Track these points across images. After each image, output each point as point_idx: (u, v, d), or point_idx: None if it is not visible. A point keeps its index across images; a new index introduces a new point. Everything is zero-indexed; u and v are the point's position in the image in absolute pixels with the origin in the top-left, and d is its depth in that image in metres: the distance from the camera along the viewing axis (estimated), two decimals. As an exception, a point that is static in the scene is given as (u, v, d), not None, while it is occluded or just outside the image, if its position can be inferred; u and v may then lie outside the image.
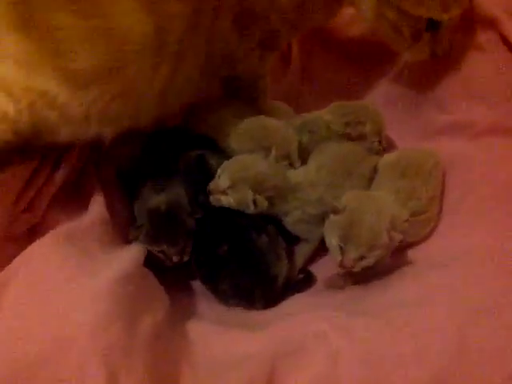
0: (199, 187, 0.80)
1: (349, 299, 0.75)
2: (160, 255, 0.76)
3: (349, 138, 0.89)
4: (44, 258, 0.65)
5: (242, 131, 0.87)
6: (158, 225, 0.76)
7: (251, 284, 0.76)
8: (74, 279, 0.62)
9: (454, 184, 0.86)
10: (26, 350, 0.55)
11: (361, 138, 0.89)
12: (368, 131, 0.89)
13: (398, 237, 0.73)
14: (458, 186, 0.85)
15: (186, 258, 0.77)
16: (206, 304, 0.78)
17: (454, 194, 0.85)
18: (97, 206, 0.75)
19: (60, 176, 0.75)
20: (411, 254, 0.81)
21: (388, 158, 0.88)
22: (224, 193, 0.77)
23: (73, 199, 0.76)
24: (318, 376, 0.61)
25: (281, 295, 0.78)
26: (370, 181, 0.86)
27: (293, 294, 0.79)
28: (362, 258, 0.72)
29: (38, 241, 0.68)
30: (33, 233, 0.70)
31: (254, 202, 0.77)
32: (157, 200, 0.78)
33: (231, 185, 0.76)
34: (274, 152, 0.82)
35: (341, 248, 0.72)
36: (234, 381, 0.60)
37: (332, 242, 0.73)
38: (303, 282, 0.81)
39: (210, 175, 0.80)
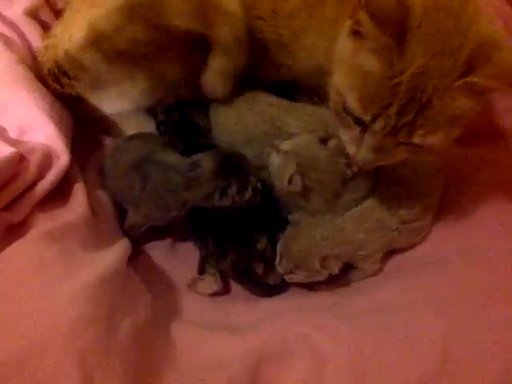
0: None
1: (334, 302, 0.75)
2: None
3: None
4: (23, 259, 0.63)
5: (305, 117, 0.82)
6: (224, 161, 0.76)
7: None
8: (53, 281, 0.61)
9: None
10: (1, 351, 0.54)
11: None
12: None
13: (333, 269, 0.74)
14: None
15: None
16: (190, 304, 0.77)
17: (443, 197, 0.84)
18: (80, 206, 0.74)
19: (46, 184, 0.73)
20: (397, 257, 0.80)
21: None
22: (292, 273, 0.75)
23: (55, 199, 0.73)
24: (302, 379, 0.61)
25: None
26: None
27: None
28: (291, 272, 0.74)
29: (17, 241, 0.66)
30: (12, 232, 0.68)
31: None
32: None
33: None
34: (333, 142, 0.79)
35: (281, 255, 0.75)
36: (217, 383, 0.59)
37: (278, 246, 0.77)
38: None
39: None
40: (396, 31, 0.57)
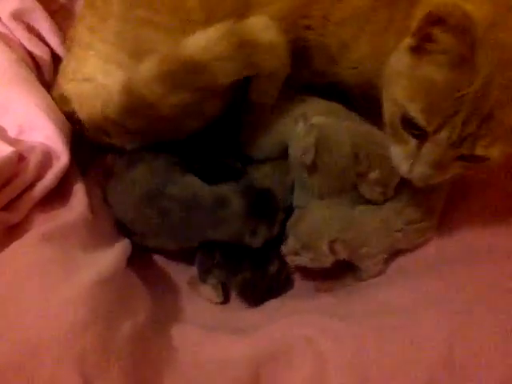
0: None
1: (335, 303, 0.74)
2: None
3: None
4: (22, 260, 0.63)
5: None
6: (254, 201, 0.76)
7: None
8: (52, 283, 0.60)
9: None
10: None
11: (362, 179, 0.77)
12: (373, 178, 0.76)
13: (339, 255, 0.73)
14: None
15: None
16: (191, 306, 0.77)
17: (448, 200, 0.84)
18: (80, 207, 0.73)
19: (46, 184, 0.72)
20: (400, 259, 0.80)
21: None
22: (297, 254, 0.74)
23: (55, 199, 0.73)
24: (304, 380, 0.60)
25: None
26: None
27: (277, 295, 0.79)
28: (296, 253, 0.73)
29: (16, 242, 0.65)
30: (11, 233, 0.67)
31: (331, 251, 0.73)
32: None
33: (303, 245, 0.73)
34: (374, 175, 0.75)
35: (287, 235, 0.75)
36: None
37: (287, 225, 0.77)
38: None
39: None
40: (468, 42, 0.58)
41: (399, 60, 0.66)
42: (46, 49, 0.90)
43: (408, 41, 0.64)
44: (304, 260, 0.74)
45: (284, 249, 0.75)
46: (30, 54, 0.88)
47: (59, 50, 0.90)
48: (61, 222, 0.69)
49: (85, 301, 0.58)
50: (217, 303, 0.79)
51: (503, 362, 0.61)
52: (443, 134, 0.61)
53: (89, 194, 0.76)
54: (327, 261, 0.74)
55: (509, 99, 0.59)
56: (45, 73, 0.89)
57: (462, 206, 0.82)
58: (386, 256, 0.77)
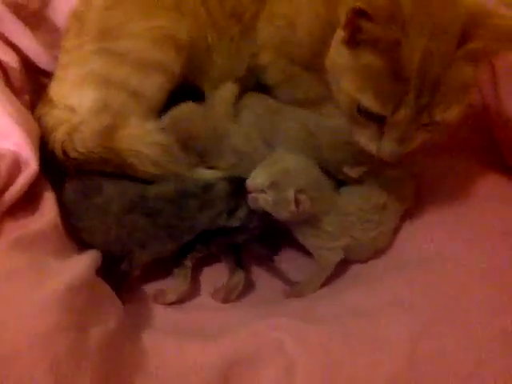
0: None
1: (303, 307, 0.76)
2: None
3: None
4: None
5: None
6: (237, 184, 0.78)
7: None
8: (23, 290, 0.60)
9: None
10: None
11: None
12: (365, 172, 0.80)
13: (303, 206, 0.74)
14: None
15: None
16: (161, 312, 0.77)
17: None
18: (49, 214, 0.73)
19: (15, 191, 0.72)
20: (366, 263, 0.83)
21: None
22: (262, 191, 0.75)
23: (24, 206, 0.73)
24: (274, 382, 0.61)
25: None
26: None
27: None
28: (261, 191, 0.74)
29: None
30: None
31: (296, 202, 0.74)
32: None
33: (270, 183, 0.74)
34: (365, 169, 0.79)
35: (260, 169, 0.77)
36: None
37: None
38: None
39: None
40: (397, 27, 0.61)
41: (338, 54, 0.69)
42: (15, 55, 0.90)
43: (340, 34, 0.67)
44: (266, 200, 0.74)
45: (251, 183, 0.75)
46: (-1, 63, 0.88)
47: (33, 53, 0.92)
48: (31, 230, 0.69)
49: (57, 307, 0.58)
50: (187, 306, 0.80)
51: (465, 360, 0.63)
52: (400, 113, 0.65)
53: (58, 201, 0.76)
54: (287, 209, 0.74)
55: (449, 63, 0.63)
56: (13, 79, 0.88)
57: (426, 210, 0.86)
58: (341, 244, 0.79)
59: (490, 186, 0.88)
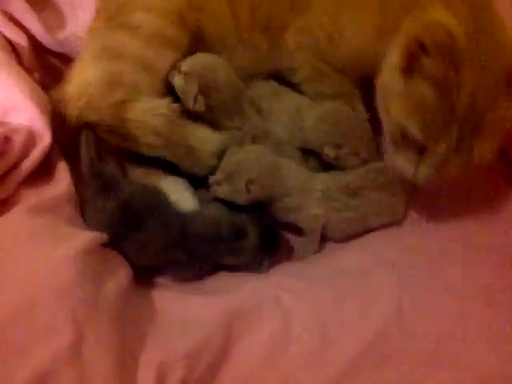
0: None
1: (298, 269, 0.81)
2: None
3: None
4: (12, 230, 0.68)
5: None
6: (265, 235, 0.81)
7: None
8: (41, 249, 0.65)
9: None
10: None
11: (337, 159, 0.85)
12: (344, 154, 0.85)
13: (253, 194, 0.80)
14: None
15: None
16: (167, 278, 0.82)
17: None
18: (63, 183, 0.78)
19: (30, 162, 0.77)
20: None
21: None
22: (219, 184, 0.80)
23: (40, 176, 0.77)
24: (272, 333, 0.66)
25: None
26: None
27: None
28: (219, 183, 0.80)
29: (4, 215, 0.70)
30: (1, 207, 0.72)
31: (248, 191, 0.80)
32: None
33: (225, 177, 0.80)
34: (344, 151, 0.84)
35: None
36: (193, 340, 0.64)
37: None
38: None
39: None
40: (453, 61, 0.64)
41: (391, 78, 0.72)
42: (23, 34, 0.94)
43: (395, 60, 0.70)
44: (225, 191, 0.80)
45: (210, 178, 0.81)
46: (8, 40, 0.92)
47: (39, 35, 0.94)
48: (46, 197, 0.74)
49: (73, 264, 0.63)
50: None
51: (448, 314, 0.68)
52: (441, 147, 0.68)
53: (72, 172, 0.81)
54: (241, 197, 0.80)
55: (494, 101, 0.66)
56: (23, 58, 0.92)
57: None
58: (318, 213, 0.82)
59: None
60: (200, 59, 0.85)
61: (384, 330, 0.67)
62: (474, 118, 0.67)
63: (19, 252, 0.65)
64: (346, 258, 0.80)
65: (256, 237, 0.79)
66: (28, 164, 0.77)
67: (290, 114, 0.88)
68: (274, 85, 0.92)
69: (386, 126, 0.75)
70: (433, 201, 0.85)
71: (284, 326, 0.67)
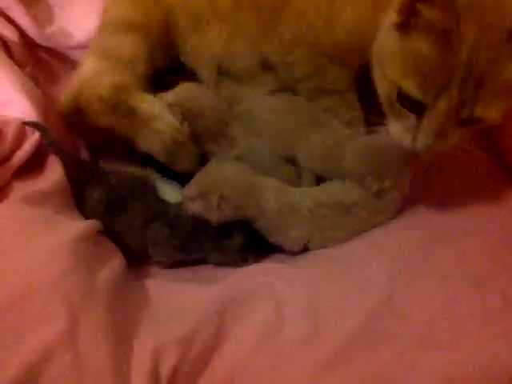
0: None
1: (290, 257, 0.82)
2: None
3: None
4: (5, 219, 0.68)
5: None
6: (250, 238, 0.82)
7: None
8: (34, 238, 0.66)
9: None
10: None
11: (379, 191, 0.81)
12: (386, 187, 0.81)
13: (224, 213, 0.78)
14: None
15: None
16: (159, 266, 0.83)
17: None
18: (54, 175, 0.78)
19: (22, 154, 0.77)
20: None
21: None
22: (193, 200, 0.78)
23: (32, 168, 0.77)
24: (264, 319, 0.67)
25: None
26: None
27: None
28: (192, 199, 0.78)
29: None
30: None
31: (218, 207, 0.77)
32: None
33: (198, 194, 0.78)
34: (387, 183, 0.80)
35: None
36: (187, 326, 0.65)
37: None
38: None
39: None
40: (453, 12, 0.62)
41: (387, 38, 0.70)
42: (14, 29, 0.95)
43: (392, 19, 0.69)
44: (198, 208, 0.78)
45: (183, 192, 0.79)
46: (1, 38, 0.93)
47: (28, 30, 0.95)
48: (38, 188, 0.74)
49: (67, 253, 0.64)
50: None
51: (436, 297, 0.69)
52: (441, 104, 0.66)
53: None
54: (215, 214, 0.78)
55: (497, 59, 0.64)
56: (14, 53, 0.93)
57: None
58: (303, 234, 0.80)
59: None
60: (183, 90, 0.86)
61: (375, 313, 0.68)
62: (475, 74, 0.64)
63: (12, 241, 0.65)
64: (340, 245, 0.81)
65: (241, 239, 0.80)
66: (20, 156, 0.77)
67: (328, 146, 0.85)
68: (314, 111, 0.90)
69: (382, 92, 0.74)
70: (424, 187, 0.86)
71: (276, 312, 0.68)
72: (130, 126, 0.81)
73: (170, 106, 0.83)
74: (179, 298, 0.71)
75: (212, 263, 0.82)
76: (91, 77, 0.83)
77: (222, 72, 0.94)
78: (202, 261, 0.83)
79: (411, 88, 0.67)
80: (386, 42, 0.71)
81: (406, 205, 0.85)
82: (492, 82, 0.65)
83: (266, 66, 0.92)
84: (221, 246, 0.80)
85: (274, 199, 0.79)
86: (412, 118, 0.70)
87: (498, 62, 0.64)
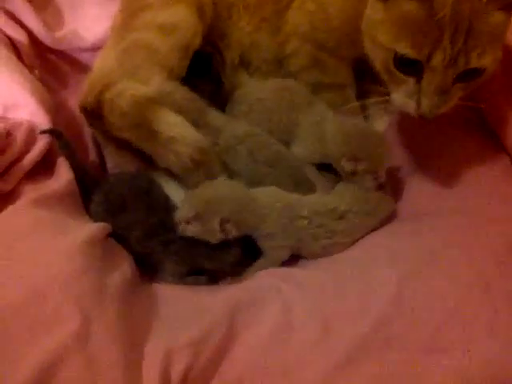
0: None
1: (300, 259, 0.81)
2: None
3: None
4: (16, 222, 0.69)
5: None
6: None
7: None
8: (45, 240, 0.66)
9: None
10: (1, 298, 0.59)
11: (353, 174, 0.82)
12: (361, 169, 0.81)
13: (229, 234, 0.75)
14: None
15: None
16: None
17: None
18: (64, 178, 0.79)
19: (32, 157, 0.78)
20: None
21: None
22: (189, 223, 0.74)
23: (41, 171, 0.79)
24: (274, 323, 0.67)
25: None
26: None
27: None
28: (188, 222, 0.74)
29: (8, 208, 0.71)
30: (3, 201, 0.73)
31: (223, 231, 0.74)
32: None
33: (195, 215, 0.74)
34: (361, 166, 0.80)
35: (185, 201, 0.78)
36: (197, 329, 0.65)
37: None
38: None
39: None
40: None
41: (373, 10, 0.73)
42: (23, 32, 0.95)
43: None
44: (194, 231, 0.74)
45: (177, 215, 0.76)
46: (8, 38, 0.93)
47: (38, 33, 0.95)
48: (48, 191, 0.75)
49: (78, 254, 0.64)
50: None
51: (446, 301, 0.69)
52: (437, 59, 0.68)
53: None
54: (215, 236, 0.74)
55: (480, 8, 0.67)
56: (23, 55, 0.94)
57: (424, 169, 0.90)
58: (287, 245, 0.79)
59: (475, 149, 0.91)
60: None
61: (385, 317, 0.67)
62: (463, 26, 0.67)
63: (24, 244, 0.65)
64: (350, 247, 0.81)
65: (238, 253, 0.78)
66: (30, 159, 0.78)
67: (313, 126, 0.87)
68: (309, 94, 0.90)
69: (378, 62, 0.75)
70: (433, 187, 0.86)
71: (285, 315, 0.68)
72: (150, 145, 0.80)
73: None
74: (189, 302, 0.71)
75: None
76: (115, 81, 0.81)
77: (245, 62, 0.95)
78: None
79: (405, 49, 0.69)
80: (373, 13, 0.73)
81: (413, 208, 0.85)
82: (479, 31, 0.67)
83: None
84: (216, 257, 0.77)
85: (273, 208, 0.78)
86: (412, 81, 0.72)
87: (482, 11, 0.67)
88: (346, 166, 0.81)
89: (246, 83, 0.95)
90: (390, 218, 0.85)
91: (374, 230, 0.83)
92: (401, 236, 0.81)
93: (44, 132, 0.80)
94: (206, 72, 0.92)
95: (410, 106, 0.74)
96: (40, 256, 0.63)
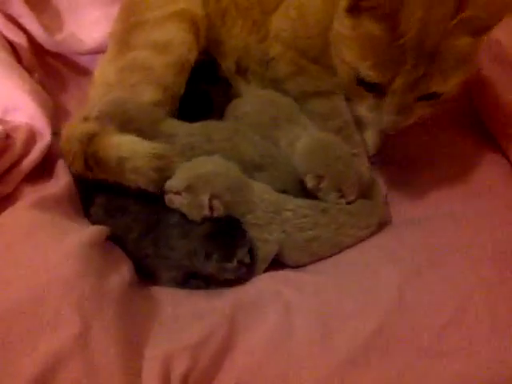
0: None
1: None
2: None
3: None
4: (15, 225, 0.68)
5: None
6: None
7: None
8: (44, 243, 0.66)
9: None
10: (1, 301, 0.59)
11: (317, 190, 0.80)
12: (324, 187, 0.79)
13: (216, 211, 0.73)
14: None
15: None
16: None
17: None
18: (62, 180, 0.78)
19: (31, 160, 0.78)
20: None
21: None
22: (178, 193, 0.74)
23: (40, 174, 0.78)
24: (274, 326, 0.66)
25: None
26: None
27: None
28: (177, 193, 0.73)
29: (7, 210, 0.71)
30: (3, 203, 0.73)
31: (210, 207, 0.73)
32: None
33: (186, 187, 0.73)
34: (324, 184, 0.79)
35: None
36: (197, 332, 0.65)
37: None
38: None
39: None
40: None
41: (340, 24, 0.72)
42: (23, 35, 0.96)
43: (343, 4, 0.70)
44: (182, 203, 0.73)
45: (168, 184, 0.74)
46: (8, 41, 0.94)
47: (38, 36, 0.96)
48: (47, 193, 0.75)
49: (77, 257, 0.64)
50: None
51: (447, 305, 0.68)
52: (397, 83, 0.68)
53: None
54: (201, 213, 0.73)
55: (445, 34, 0.65)
56: (23, 58, 0.94)
57: (425, 172, 0.90)
58: (273, 238, 0.77)
59: (473, 151, 0.92)
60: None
61: (385, 321, 0.67)
62: (427, 51, 0.65)
63: (23, 246, 0.65)
64: (347, 250, 0.80)
65: (208, 228, 0.74)
66: (29, 161, 0.78)
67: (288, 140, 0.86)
68: (295, 108, 0.89)
69: (342, 75, 0.75)
70: (432, 190, 0.87)
71: (286, 319, 0.67)
72: (110, 175, 0.75)
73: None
74: (188, 305, 0.70)
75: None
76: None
77: (241, 69, 0.94)
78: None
79: (367, 70, 0.69)
80: (340, 27, 0.73)
81: (412, 211, 0.85)
82: (444, 56, 0.66)
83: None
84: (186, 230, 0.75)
85: (264, 197, 0.78)
86: (373, 98, 0.72)
87: (447, 37, 0.65)
88: (309, 181, 0.79)
89: (244, 92, 0.95)
90: (388, 221, 0.85)
91: (372, 234, 0.83)
92: (401, 239, 0.80)
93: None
94: (216, 79, 0.93)
95: (372, 121, 0.75)
96: (39, 259, 0.63)
